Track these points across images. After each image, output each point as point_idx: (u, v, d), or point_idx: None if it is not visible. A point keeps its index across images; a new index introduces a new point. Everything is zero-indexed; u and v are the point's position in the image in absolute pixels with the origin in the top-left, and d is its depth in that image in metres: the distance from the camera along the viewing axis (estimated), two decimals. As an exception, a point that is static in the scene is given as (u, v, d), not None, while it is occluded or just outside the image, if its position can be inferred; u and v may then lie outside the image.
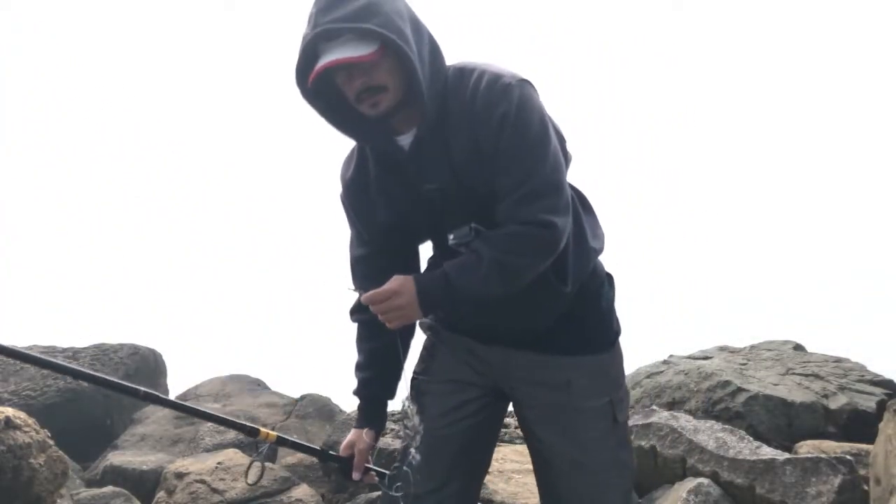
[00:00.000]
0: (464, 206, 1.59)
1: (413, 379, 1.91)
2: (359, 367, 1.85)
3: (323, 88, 1.56)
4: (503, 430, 3.38)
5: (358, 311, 1.82)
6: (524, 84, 1.55)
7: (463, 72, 1.59)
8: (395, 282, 1.55)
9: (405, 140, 1.61)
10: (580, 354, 1.72)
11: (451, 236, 1.60)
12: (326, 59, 1.46)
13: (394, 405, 1.93)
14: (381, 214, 1.70)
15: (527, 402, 1.78)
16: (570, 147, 1.70)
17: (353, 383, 1.87)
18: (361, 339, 1.86)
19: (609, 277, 1.81)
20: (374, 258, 1.75)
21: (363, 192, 1.72)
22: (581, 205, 1.75)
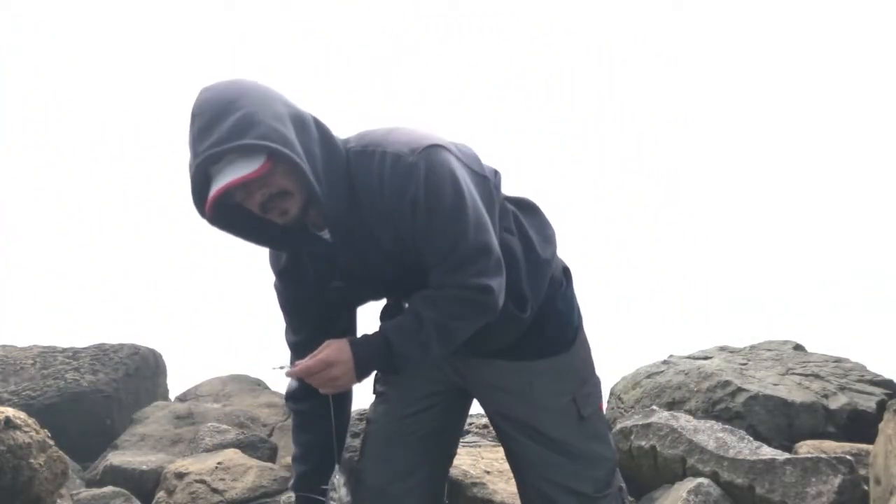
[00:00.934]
0: (404, 281, 1.60)
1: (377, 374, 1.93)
2: (295, 460, 1.82)
3: (226, 209, 1.48)
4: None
5: (293, 399, 1.79)
6: (430, 152, 1.49)
7: (365, 155, 1.52)
8: (331, 351, 1.51)
9: (327, 234, 1.57)
10: (541, 358, 1.74)
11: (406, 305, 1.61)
12: (217, 186, 1.40)
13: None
14: (320, 298, 1.68)
15: (494, 406, 1.84)
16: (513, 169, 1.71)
17: (292, 475, 1.83)
18: (298, 430, 1.82)
19: (566, 272, 1.82)
20: (312, 342, 1.68)
21: (300, 282, 1.69)
22: (523, 213, 1.74)
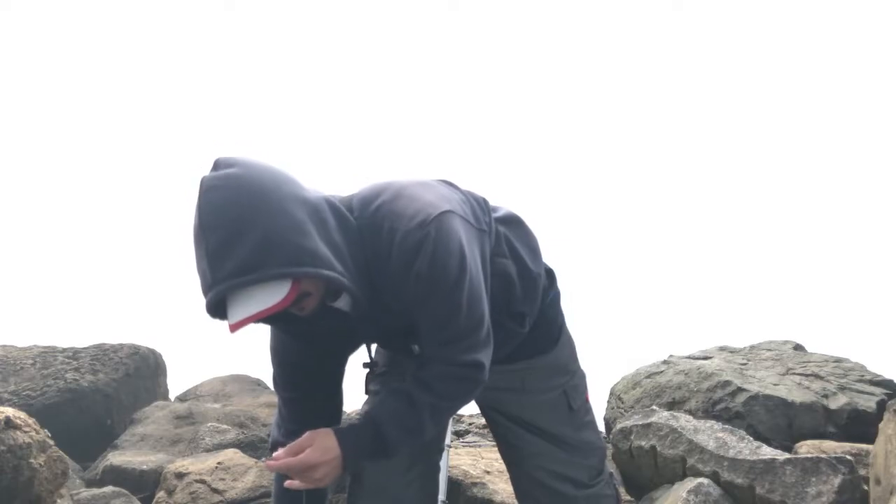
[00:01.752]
0: (407, 337, 1.61)
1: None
2: None
3: None
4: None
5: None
6: (439, 224, 1.46)
7: (374, 228, 1.49)
8: (315, 451, 1.42)
9: (342, 303, 1.53)
10: (530, 358, 1.80)
11: (416, 347, 1.61)
12: (241, 315, 1.30)
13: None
14: (318, 356, 1.65)
15: (487, 402, 1.88)
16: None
17: None
18: (277, 499, 1.76)
19: (549, 274, 1.86)
20: (306, 398, 1.69)
21: (298, 350, 1.67)
22: (511, 230, 1.74)
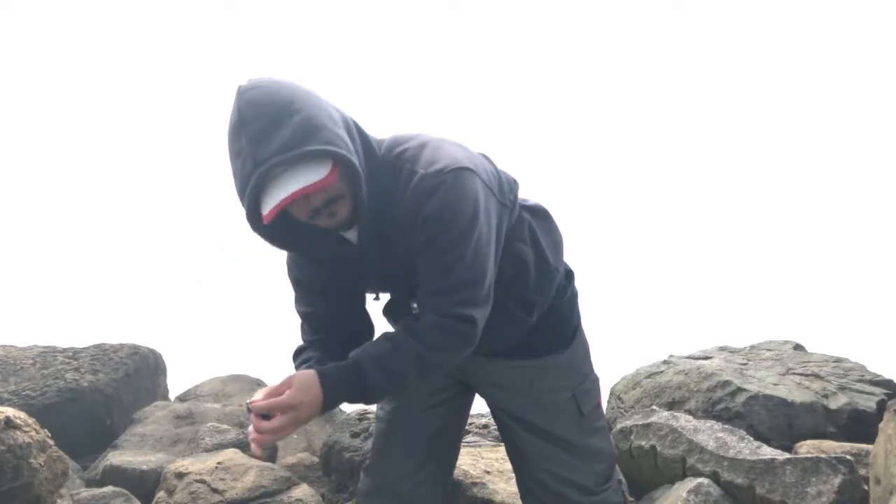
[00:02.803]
0: (410, 288, 1.60)
1: None
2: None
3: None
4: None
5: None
6: (457, 176, 1.47)
7: (395, 169, 1.51)
8: (296, 392, 1.41)
9: (352, 234, 1.56)
10: (541, 357, 1.77)
11: (414, 305, 1.61)
12: (283, 193, 1.33)
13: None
14: (330, 289, 1.67)
15: (495, 402, 1.86)
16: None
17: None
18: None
19: (568, 274, 1.84)
20: (324, 314, 1.69)
21: (316, 272, 1.68)
22: (536, 220, 1.75)
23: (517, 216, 1.69)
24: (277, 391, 1.42)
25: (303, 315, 1.74)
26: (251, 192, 1.34)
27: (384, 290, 1.74)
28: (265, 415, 1.41)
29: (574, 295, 1.83)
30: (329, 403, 1.44)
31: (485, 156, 1.66)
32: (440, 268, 1.48)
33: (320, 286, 1.69)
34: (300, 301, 1.74)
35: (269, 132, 1.32)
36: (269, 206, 1.34)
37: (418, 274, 1.53)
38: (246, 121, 1.33)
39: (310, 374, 1.45)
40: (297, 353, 1.70)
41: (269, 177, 1.33)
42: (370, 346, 1.53)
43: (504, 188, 1.64)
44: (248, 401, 1.48)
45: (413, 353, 1.48)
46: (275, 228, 1.44)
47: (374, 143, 1.54)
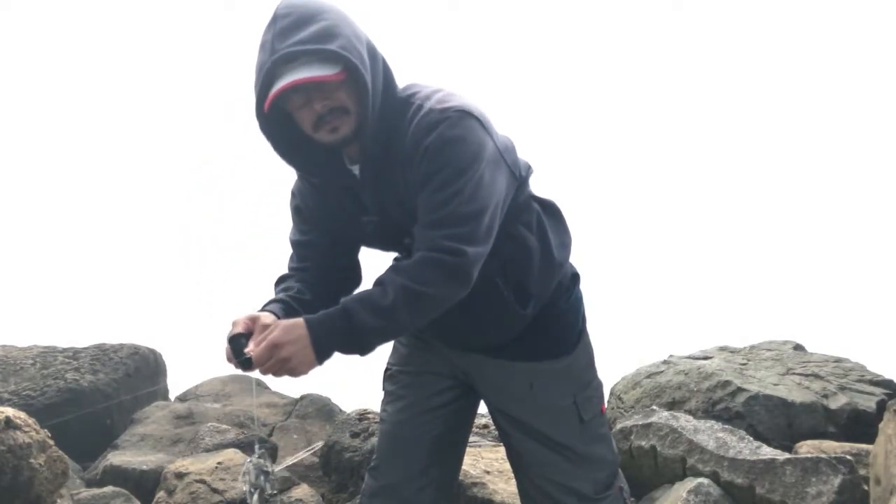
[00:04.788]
0: (406, 232, 1.57)
1: (387, 370, 1.92)
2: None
3: (275, 118, 1.49)
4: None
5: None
6: (465, 115, 1.47)
7: (406, 104, 1.53)
8: (278, 332, 1.39)
9: (357, 168, 1.57)
10: (542, 360, 1.74)
11: (406, 240, 1.58)
12: (286, 80, 1.40)
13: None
14: (333, 225, 1.68)
15: (496, 405, 1.84)
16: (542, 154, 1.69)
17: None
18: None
19: (574, 277, 1.82)
20: (316, 244, 1.71)
21: (317, 203, 1.69)
22: (546, 215, 1.74)
23: (526, 201, 1.67)
24: (262, 337, 1.41)
25: (294, 244, 1.76)
26: (263, 79, 1.43)
27: (381, 235, 1.69)
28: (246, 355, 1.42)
29: (579, 299, 1.81)
30: (318, 345, 1.40)
31: (508, 137, 1.67)
32: (437, 200, 1.46)
33: (318, 218, 1.71)
34: (295, 231, 1.76)
35: (292, 29, 1.42)
36: (282, 81, 1.41)
37: (417, 210, 1.51)
38: (277, 17, 1.45)
39: (296, 319, 1.44)
40: (279, 282, 1.72)
41: (281, 69, 1.42)
42: (359, 292, 1.52)
43: (519, 163, 1.64)
44: (228, 334, 1.46)
45: (398, 286, 1.44)
46: (280, 136, 1.52)
47: (396, 85, 1.58)
